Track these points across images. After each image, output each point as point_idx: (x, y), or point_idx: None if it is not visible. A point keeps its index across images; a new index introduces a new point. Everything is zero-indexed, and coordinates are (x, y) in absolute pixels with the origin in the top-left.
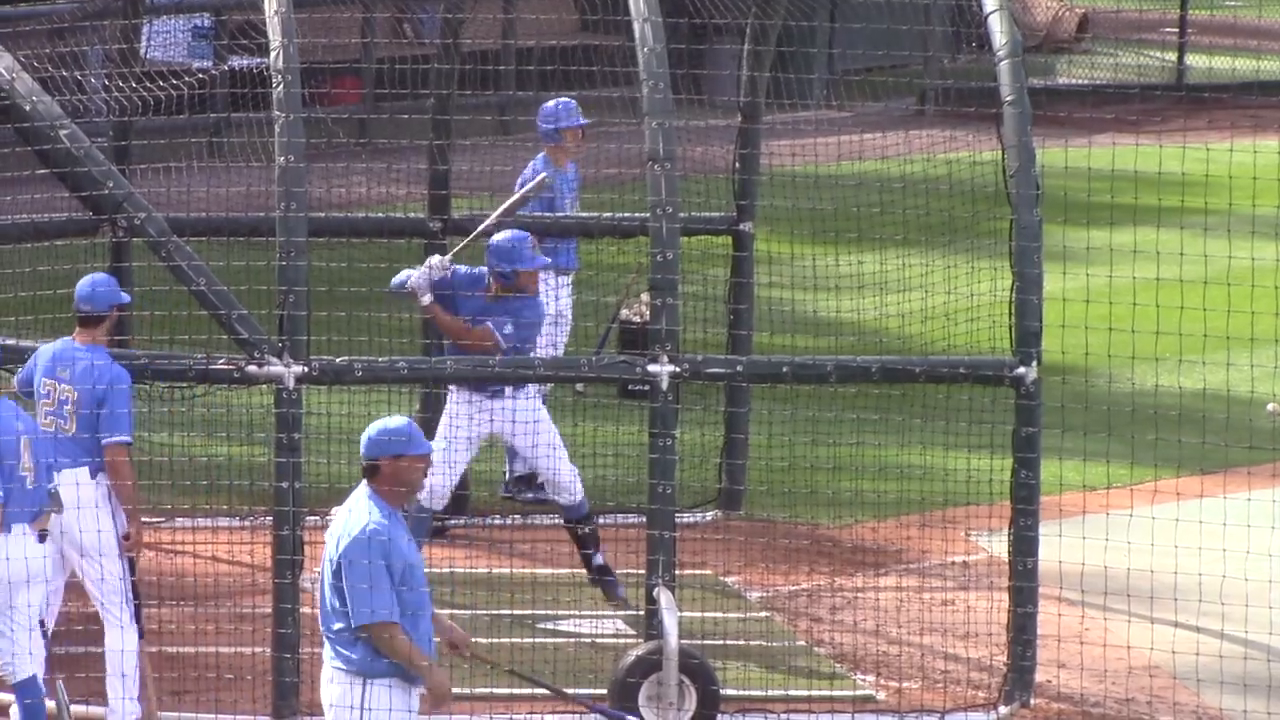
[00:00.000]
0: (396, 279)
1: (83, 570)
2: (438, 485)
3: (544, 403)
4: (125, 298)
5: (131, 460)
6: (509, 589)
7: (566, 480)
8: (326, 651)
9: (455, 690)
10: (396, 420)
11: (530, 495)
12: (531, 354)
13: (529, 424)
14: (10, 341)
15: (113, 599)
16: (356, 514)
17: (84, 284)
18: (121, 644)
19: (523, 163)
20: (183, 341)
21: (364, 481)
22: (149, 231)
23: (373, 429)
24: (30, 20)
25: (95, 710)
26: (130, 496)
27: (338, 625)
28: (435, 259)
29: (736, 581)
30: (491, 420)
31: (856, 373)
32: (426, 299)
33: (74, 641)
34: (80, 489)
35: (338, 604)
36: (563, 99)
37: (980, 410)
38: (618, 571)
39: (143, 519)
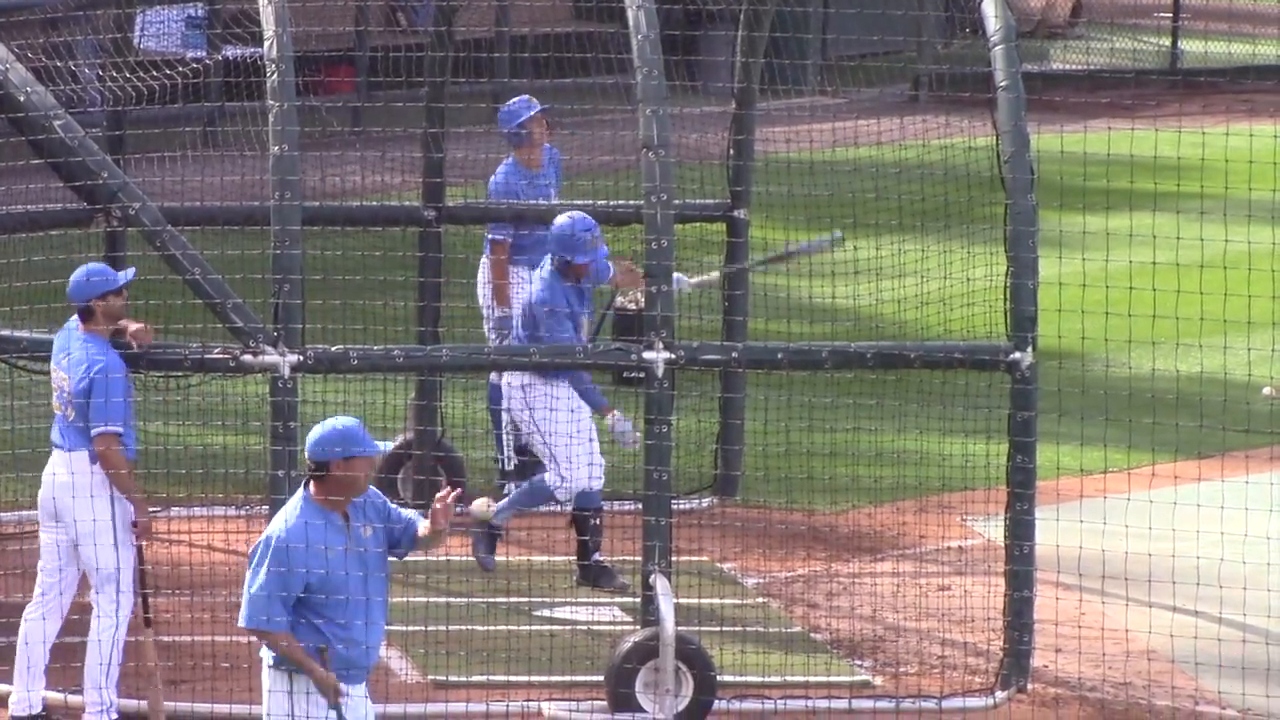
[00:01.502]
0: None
1: (80, 556)
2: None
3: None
4: (112, 284)
5: (123, 450)
6: (505, 576)
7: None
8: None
9: (452, 678)
10: (346, 420)
11: (526, 485)
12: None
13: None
14: (5, 332)
15: (104, 588)
16: (276, 516)
17: (71, 277)
18: (106, 635)
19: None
20: (178, 331)
21: (304, 483)
22: (144, 221)
23: (323, 431)
24: (24, 11)
25: (74, 699)
26: (126, 486)
27: None
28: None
29: (733, 568)
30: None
31: (852, 359)
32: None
33: (65, 631)
34: (75, 476)
35: None
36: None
37: (976, 395)
38: (615, 558)
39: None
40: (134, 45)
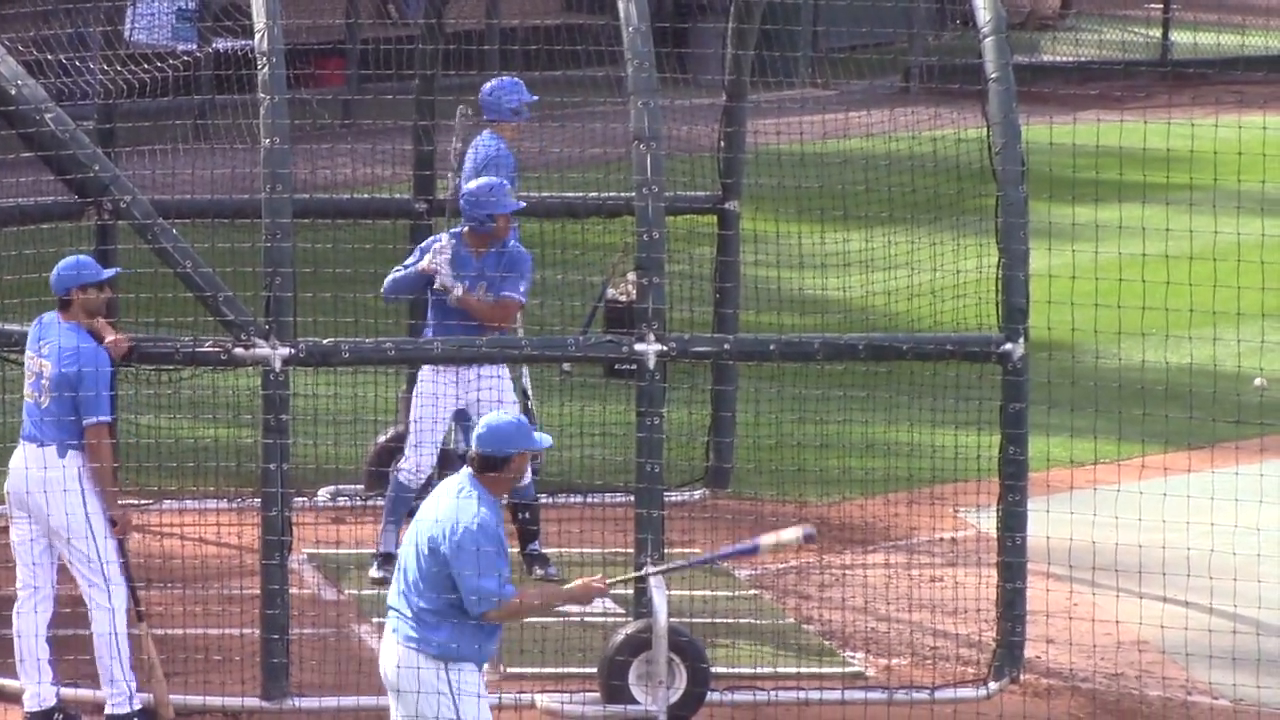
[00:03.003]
0: (411, 272)
1: (62, 552)
2: (424, 463)
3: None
4: (92, 277)
5: (112, 442)
6: None
7: None
8: (401, 630)
9: None
10: (509, 415)
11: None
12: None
13: (492, 396)
14: None
15: (91, 581)
16: (466, 502)
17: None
18: (108, 626)
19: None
20: (169, 324)
21: (468, 472)
22: (134, 214)
23: (500, 425)
24: (14, 3)
25: (83, 693)
26: (106, 479)
27: (423, 605)
28: (441, 240)
29: None
30: (458, 392)
31: (843, 350)
32: (458, 290)
33: (62, 624)
34: (48, 470)
35: (426, 585)
36: (503, 78)
37: (967, 387)
38: (605, 550)
39: (131, 501)
40: (125, 38)
